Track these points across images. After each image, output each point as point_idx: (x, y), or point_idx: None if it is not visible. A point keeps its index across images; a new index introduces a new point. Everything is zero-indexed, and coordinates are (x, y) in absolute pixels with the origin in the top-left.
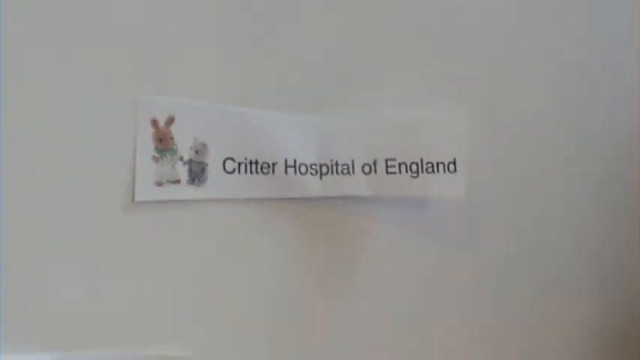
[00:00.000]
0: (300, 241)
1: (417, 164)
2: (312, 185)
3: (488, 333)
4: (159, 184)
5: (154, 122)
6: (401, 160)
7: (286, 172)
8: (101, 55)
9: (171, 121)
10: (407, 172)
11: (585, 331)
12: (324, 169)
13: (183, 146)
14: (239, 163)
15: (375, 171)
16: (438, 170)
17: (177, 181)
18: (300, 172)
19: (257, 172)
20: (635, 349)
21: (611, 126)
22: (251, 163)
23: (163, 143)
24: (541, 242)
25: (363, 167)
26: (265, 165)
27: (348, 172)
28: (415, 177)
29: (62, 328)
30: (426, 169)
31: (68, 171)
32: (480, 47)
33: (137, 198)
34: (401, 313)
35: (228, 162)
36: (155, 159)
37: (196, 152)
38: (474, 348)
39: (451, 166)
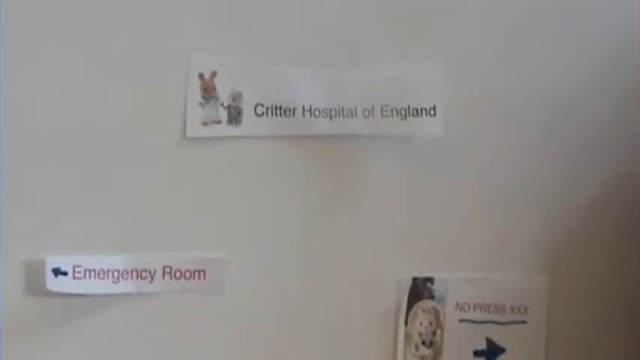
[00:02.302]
0: (315, 167)
1: (405, 109)
2: (323, 125)
3: (463, 244)
4: (205, 123)
5: (201, 75)
6: (393, 106)
7: (304, 115)
8: (162, 22)
9: (214, 74)
10: (397, 115)
11: (545, 246)
12: (333, 113)
13: (224, 94)
14: (267, 108)
15: (373, 114)
16: (421, 114)
17: (219, 122)
18: (314, 115)
19: (281, 115)
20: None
21: (569, 78)
22: (276, 107)
23: (208, 92)
24: (505, 170)
25: (363, 111)
26: (288, 109)
27: (352, 116)
28: (404, 119)
29: (128, 236)
30: (412, 113)
31: (136, 115)
32: (461, 15)
33: (188, 134)
34: (392, 225)
35: (259, 107)
36: (201, 104)
37: (234, 99)
38: (452, 254)
39: (432, 111)
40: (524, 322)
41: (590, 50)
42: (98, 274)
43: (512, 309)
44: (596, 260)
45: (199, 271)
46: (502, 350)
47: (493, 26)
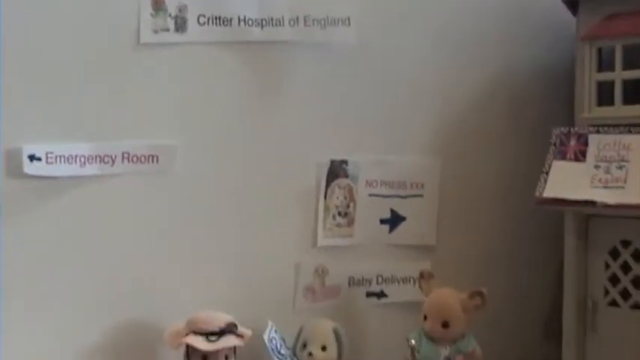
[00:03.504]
0: (249, 68)
1: (324, 19)
2: (255, 33)
3: (372, 131)
4: (155, 31)
5: None
6: (314, 17)
7: (239, 24)
8: None
9: None
10: (318, 24)
11: (438, 133)
12: (264, 23)
13: (171, 6)
14: (208, 18)
15: (297, 24)
16: (338, 24)
17: (167, 30)
18: (248, 25)
19: (220, 24)
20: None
21: None
22: (216, 18)
23: (158, 5)
24: (407, 68)
25: (289, 21)
26: (225, 19)
27: (280, 25)
28: (323, 28)
29: (92, 127)
30: (331, 23)
31: (96, 25)
32: None
33: (142, 40)
34: (313, 117)
35: (201, 17)
36: (152, 15)
37: (180, 10)
38: (363, 140)
39: (347, 21)
40: (420, 195)
41: None
42: (67, 160)
43: (411, 185)
44: (481, 144)
45: (153, 156)
46: (403, 218)
47: None
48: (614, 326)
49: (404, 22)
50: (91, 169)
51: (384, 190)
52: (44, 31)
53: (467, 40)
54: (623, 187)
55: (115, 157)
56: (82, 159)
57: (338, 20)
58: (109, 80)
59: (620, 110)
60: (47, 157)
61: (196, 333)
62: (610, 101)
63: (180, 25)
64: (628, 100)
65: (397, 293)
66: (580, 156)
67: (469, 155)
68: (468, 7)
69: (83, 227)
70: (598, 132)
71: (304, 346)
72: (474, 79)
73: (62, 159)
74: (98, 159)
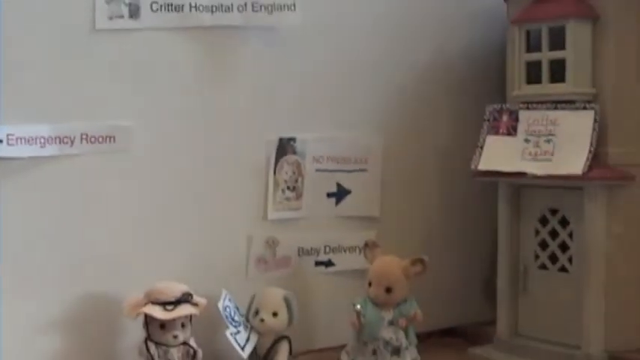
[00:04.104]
0: (199, 51)
1: (271, 5)
2: (206, 19)
3: (319, 110)
4: (110, 18)
5: None
6: (262, 3)
7: (190, 10)
8: None
9: None
10: (265, 10)
11: (381, 111)
12: (214, 9)
13: None
14: (161, 5)
15: (246, 10)
16: (284, 9)
17: (122, 17)
18: (199, 11)
19: (172, 10)
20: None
21: None
22: (168, 5)
23: None
24: (351, 49)
25: (238, 7)
26: (177, 6)
27: (229, 11)
28: (270, 14)
29: (51, 108)
30: (277, 9)
31: (53, 8)
32: None
33: (97, 27)
34: (262, 97)
35: (154, 4)
36: (107, 2)
37: None
38: (310, 119)
39: (292, 7)
40: (365, 170)
41: None
42: (28, 141)
43: (355, 160)
44: (420, 121)
45: (110, 137)
46: (348, 192)
47: None
48: (543, 287)
49: (346, 5)
50: (51, 150)
51: (330, 166)
52: (3, 16)
53: (406, 23)
54: (550, 160)
55: (74, 137)
56: (42, 140)
57: (284, 6)
58: (66, 64)
59: (546, 88)
60: (8, 139)
61: (154, 303)
62: (538, 80)
63: (134, 11)
64: (554, 78)
65: (344, 262)
66: (511, 131)
67: (410, 131)
68: None
69: (43, 206)
70: (528, 108)
71: (256, 313)
72: (414, 60)
73: (22, 140)
74: (58, 140)
